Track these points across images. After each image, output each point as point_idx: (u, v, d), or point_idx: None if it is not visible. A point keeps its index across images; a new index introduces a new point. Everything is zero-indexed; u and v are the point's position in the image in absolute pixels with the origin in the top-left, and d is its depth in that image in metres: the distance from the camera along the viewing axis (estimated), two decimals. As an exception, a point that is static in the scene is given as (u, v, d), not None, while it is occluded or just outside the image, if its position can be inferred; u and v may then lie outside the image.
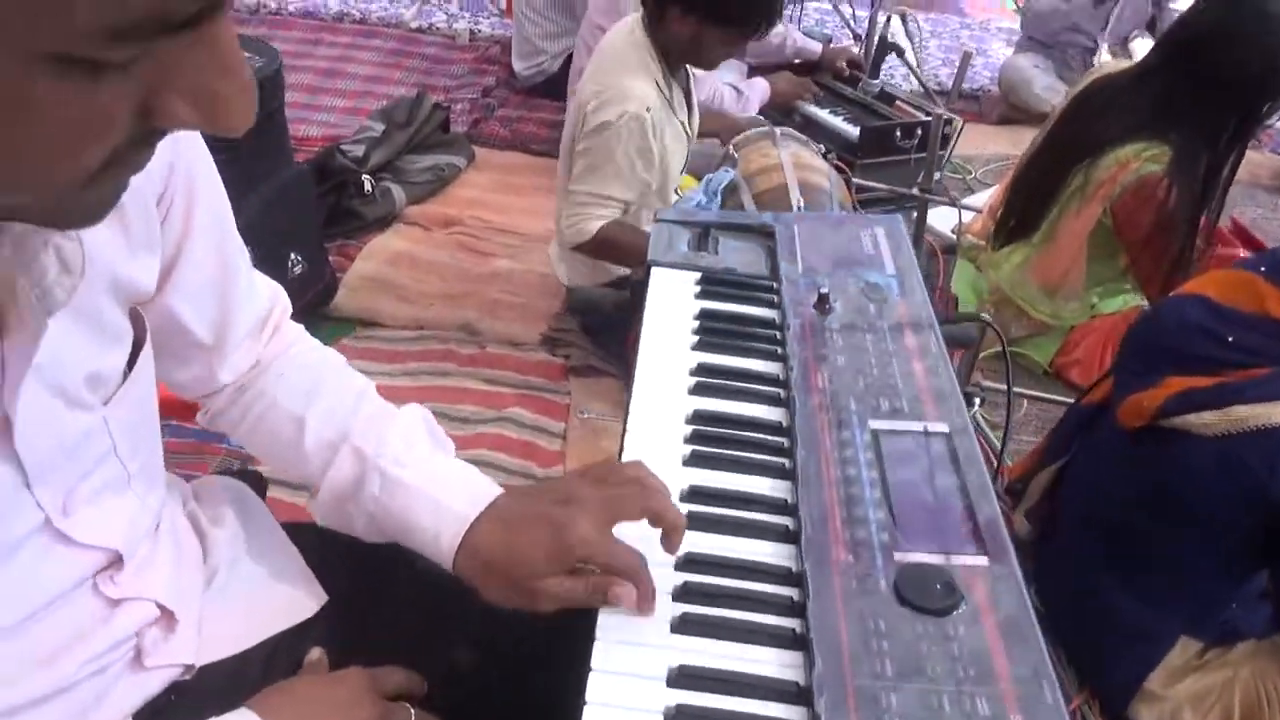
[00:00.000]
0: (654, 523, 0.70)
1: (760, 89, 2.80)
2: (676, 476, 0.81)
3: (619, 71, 1.86)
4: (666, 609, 0.71)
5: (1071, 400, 1.85)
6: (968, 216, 2.52)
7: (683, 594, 0.72)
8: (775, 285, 1.11)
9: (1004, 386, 1.34)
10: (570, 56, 3.10)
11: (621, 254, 1.95)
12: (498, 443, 1.91)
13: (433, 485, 0.74)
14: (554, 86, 3.35)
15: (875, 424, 0.88)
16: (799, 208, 1.98)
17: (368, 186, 2.55)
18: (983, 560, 0.74)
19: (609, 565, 0.68)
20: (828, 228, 1.22)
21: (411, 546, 0.74)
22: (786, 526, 0.80)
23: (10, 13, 0.33)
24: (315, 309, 2.15)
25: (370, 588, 0.83)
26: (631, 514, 0.70)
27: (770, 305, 1.09)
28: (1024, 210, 2.11)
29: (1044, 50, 3.59)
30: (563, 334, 2.19)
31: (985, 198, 2.89)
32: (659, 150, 1.89)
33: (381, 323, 2.25)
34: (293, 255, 2.03)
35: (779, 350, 1.02)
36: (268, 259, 1.96)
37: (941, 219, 2.63)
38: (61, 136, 0.38)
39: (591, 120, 1.84)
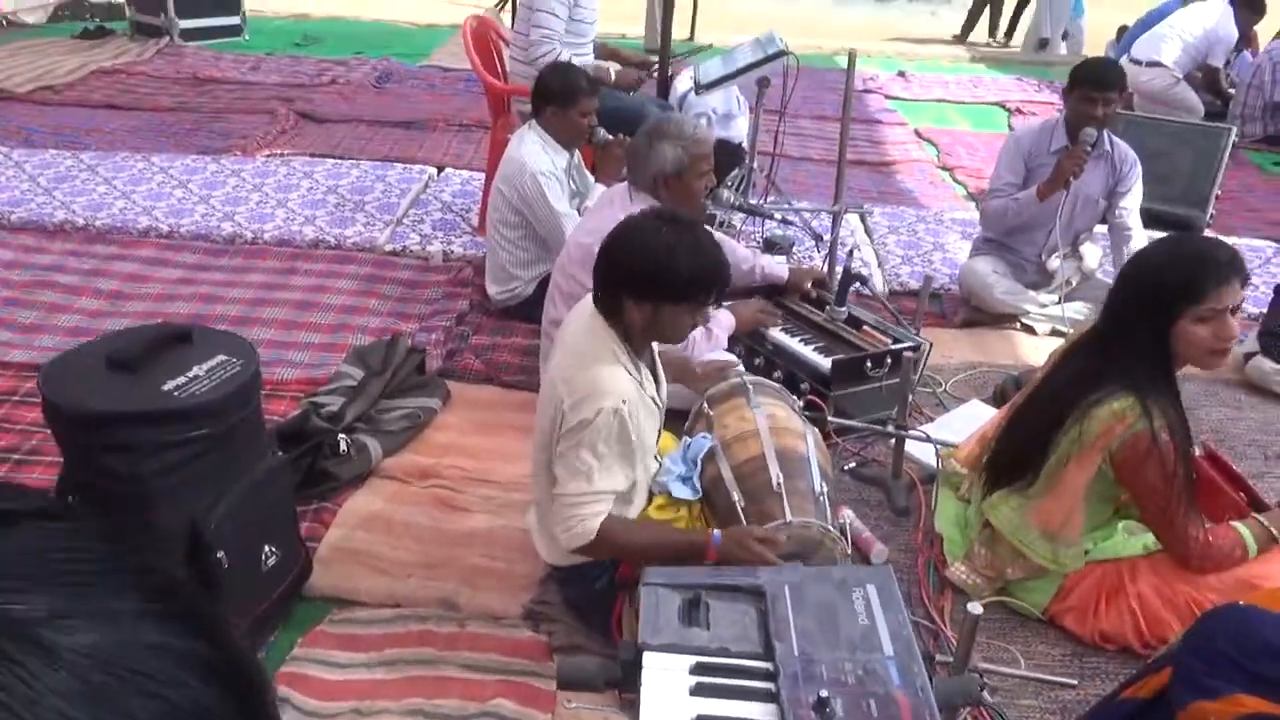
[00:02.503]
0: None
1: (726, 323, 2.85)
2: None
3: (589, 366, 1.88)
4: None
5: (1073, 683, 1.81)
6: (948, 442, 2.54)
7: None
8: (771, 670, 1.08)
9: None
10: (544, 279, 3.16)
11: (623, 551, 1.93)
12: (482, 744, 1.83)
13: None
14: (528, 309, 3.40)
15: None
16: (778, 482, 1.98)
17: (343, 446, 2.53)
18: None
19: None
20: (818, 591, 1.20)
21: None
22: None
23: None
24: (290, 595, 2.09)
25: None
26: None
27: (769, 698, 1.06)
28: (1016, 460, 2.13)
29: (998, 251, 3.72)
30: (545, 608, 2.14)
31: (958, 416, 2.94)
32: (637, 437, 1.89)
33: (358, 600, 2.19)
34: (267, 548, 1.98)
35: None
36: (241, 556, 1.92)
37: (920, 444, 2.64)
38: None
39: (570, 419, 1.85)
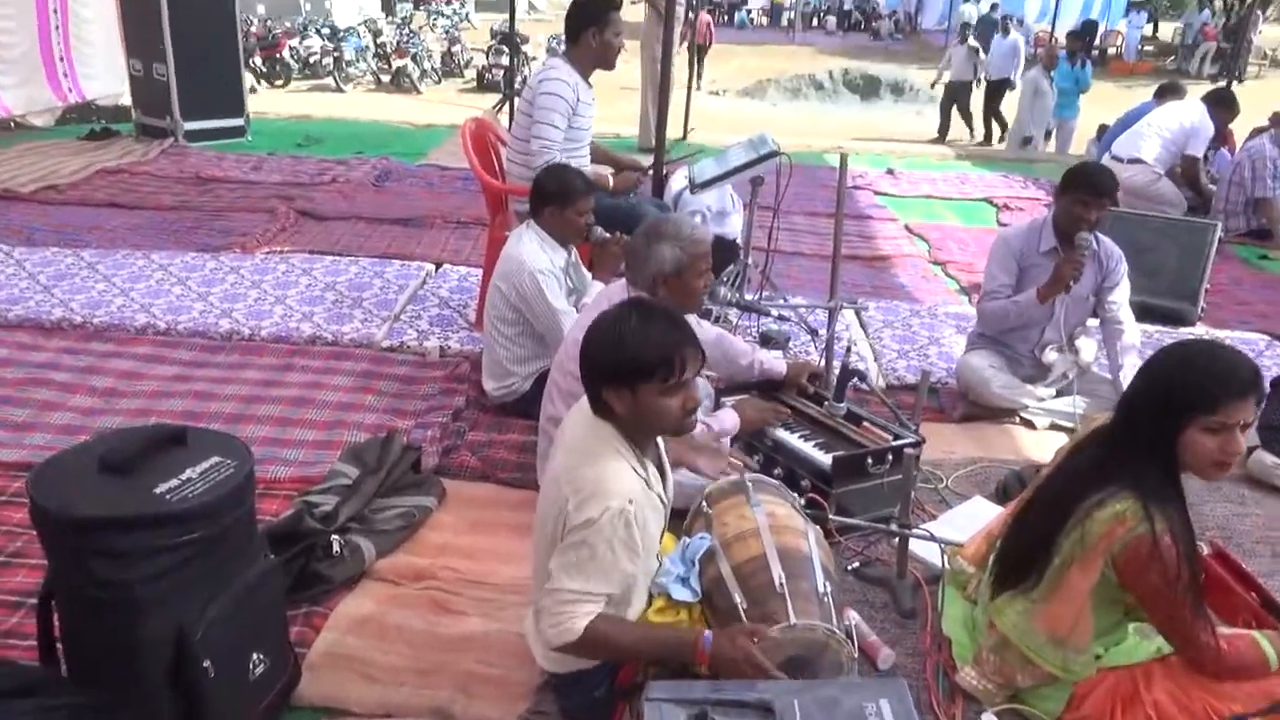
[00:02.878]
0: None
1: (730, 421, 2.83)
2: None
3: (593, 465, 1.86)
4: None
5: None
6: (953, 541, 2.49)
7: None
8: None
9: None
10: (541, 376, 3.16)
11: (611, 651, 1.88)
12: None
13: None
14: (525, 405, 3.39)
15: None
16: (780, 583, 1.93)
17: (335, 547, 2.48)
18: None
19: None
20: (829, 708, 1.16)
21: None
22: None
23: None
24: (278, 705, 2.02)
25: None
26: None
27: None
28: (1021, 561, 2.09)
29: (993, 346, 3.74)
30: (542, 718, 2.06)
31: (961, 513, 2.90)
32: (641, 538, 1.86)
33: (348, 710, 2.11)
34: (255, 655, 1.92)
35: None
36: (228, 665, 1.85)
37: (924, 542, 2.60)
38: None
39: (575, 518, 1.82)
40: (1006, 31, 12.62)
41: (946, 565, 2.38)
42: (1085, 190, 3.44)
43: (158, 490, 1.76)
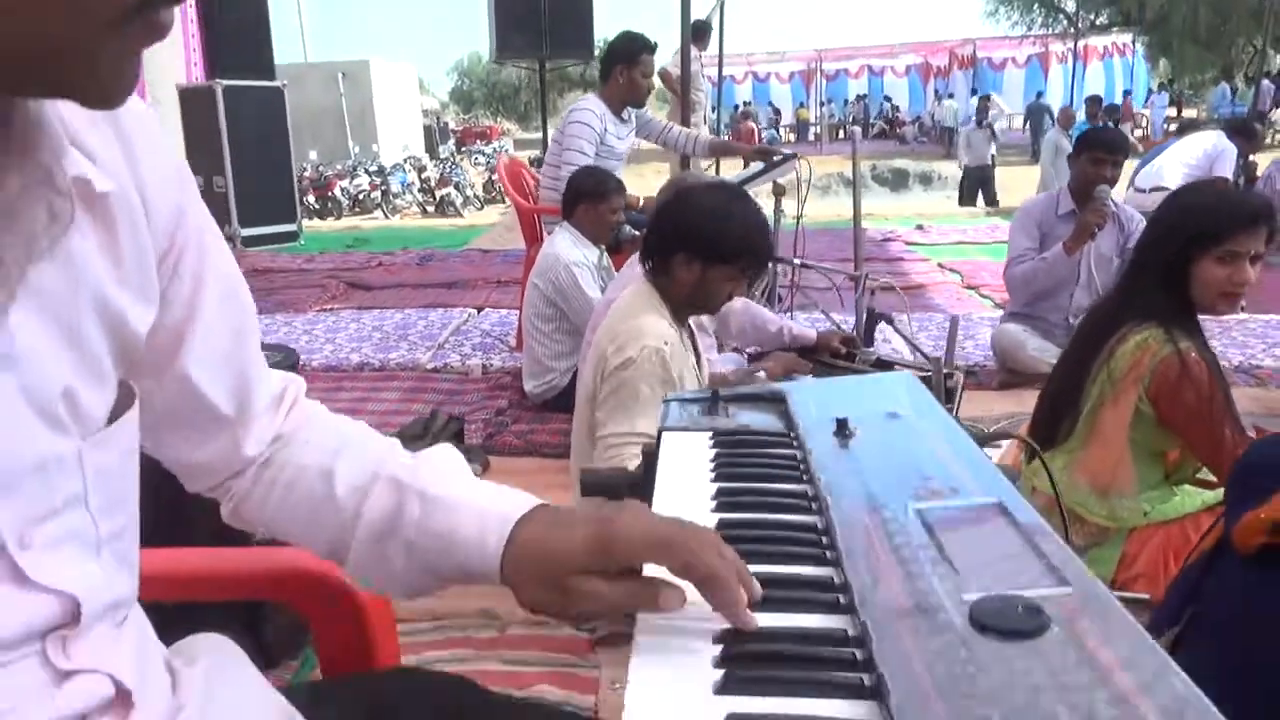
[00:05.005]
0: (703, 581, 0.64)
1: (735, 361, 2.89)
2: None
3: (633, 317, 1.94)
4: (706, 674, 0.60)
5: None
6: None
7: (724, 660, 0.62)
8: (792, 435, 1.07)
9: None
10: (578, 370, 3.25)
11: None
12: (523, 722, 1.73)
13: (477, 497, 0.72)
14: (564, 399, 3.46)
15: (917, 505, 0.80)
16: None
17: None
18: (1065, 589, 0.64)
19: (659, 558, 0.64)
20: (845, 387, 1.20)
21: (456, 569, 0.71)
22: (837, 599, 0.69)
23: None
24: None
25: None
26: (680, 556, 0.64)
27: (788, 446, 1.04)
28: (1054, 420, 2.10)
29: (1027, 321, 3.76)
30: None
31: (1001, 453, 2.88)
32: (679, 377, 1.90)
33: (398, 615, 2.13)
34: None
35: (802, 477, 0.95)
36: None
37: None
38: None
39: (613, 361, 1.88)
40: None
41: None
42: (1099, 148, 3.54)
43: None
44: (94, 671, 0.56)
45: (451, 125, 31.13)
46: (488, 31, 5.65)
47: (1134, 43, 28.13)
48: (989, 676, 0.56)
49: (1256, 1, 20.66)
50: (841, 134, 35.20)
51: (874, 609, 0.64)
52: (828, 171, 21.07)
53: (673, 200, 2.02)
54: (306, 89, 20.58)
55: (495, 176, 19.68)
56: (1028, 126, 20.94)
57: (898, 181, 20.30)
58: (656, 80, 4.56)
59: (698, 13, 7.23)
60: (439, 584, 0.74)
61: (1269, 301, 5.13)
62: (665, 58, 7.71)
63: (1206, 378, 1.87)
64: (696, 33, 7.22)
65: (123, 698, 0.58)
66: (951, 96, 24.61)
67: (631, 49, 4.17)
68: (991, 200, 12.66)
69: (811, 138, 34.23)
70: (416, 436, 2.91)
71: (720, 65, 8.99)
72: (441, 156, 25.20)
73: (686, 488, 0.94)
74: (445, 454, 0.80)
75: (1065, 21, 29.33)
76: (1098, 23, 29.98)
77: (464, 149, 29.76)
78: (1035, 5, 31.02)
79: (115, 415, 0.60)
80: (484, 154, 27.37)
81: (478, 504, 0.72)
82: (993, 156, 12.69)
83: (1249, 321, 4.70)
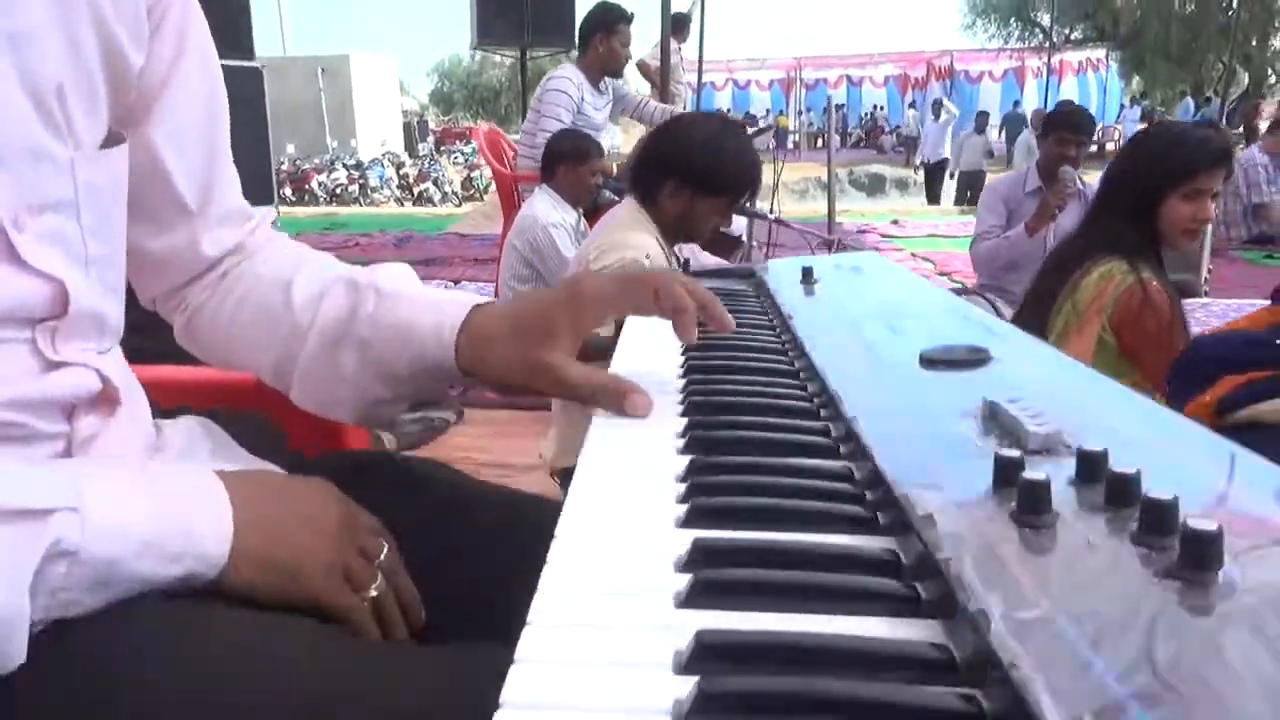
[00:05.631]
0: (672, 309, 0.66)
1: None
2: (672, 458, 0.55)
3: (619, 230, 1.96)
4: (668, 580, 0.41)
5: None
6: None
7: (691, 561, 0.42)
8: (761, 297, 1.10)
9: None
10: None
11: None
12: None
13: (434, 293, 0.72)
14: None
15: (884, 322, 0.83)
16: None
17: (358, 429, 2.55)
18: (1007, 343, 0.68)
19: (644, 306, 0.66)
20: (816, 259, 1.24)
21: (411, 362, 0.70)
22: (803, 384, 0.72)
23: None
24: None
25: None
26: (647, 296, 0.66)
27: (754, 298, 1.07)
28: None
29: (995, 293, 3.82)
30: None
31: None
32: None
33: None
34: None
35: (771, 322, 0.97)
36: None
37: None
38: None
39: (591, 268, 1.91)
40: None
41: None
42: (1066, 128, 3.62)
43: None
44: (82, 365, 0.58)
45: (431, 125, 31.07)
46: (468, 20, 5.62)
47: (1108, 58, 28.59)
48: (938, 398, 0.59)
49: (1226, 20, 21.09)
50: (819, 143, 35.52)
51: (840, 375, 0.66)
52: (805, 176, 21.32)
53: (667, 127, 2.03)
54: (285, 82, 20.41)
55: (474, 174, 19.70)
56: (1003, 134, 21.29)
57: (874, 186, 20.51)
58: (635, 69, 4.59)
59: (678, 5, 7.30)
60: (391, 393, 0.72)
61: (1231, 288, 5.25)
62: (644, 50, 7.80)
63: (1167, 306, 1.93)
64: (676, 25, 7.28)
65: (109, 393, 0.60)
66: (914, 105, 25.01)
67: (609, 18, 4.21)
68: (960, 198, 12.85)
69: (791, 145, 34.47)
70: (392, 383, 2.92)
71: (700, 71, 9.05)
72: (420, 154, 25.14)
73: (653, 352, 0.83)
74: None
75: (1041, 36, 29.79)
76: (1073, 37, 30.48)
77: (443, 149, 29.70)
78: (1012, 19, 31.49)
79: (107, 146, 0.62)
80: (463, 154, 27.31)
81: (434, 297, 0.72)
82: (986, 163, 12.95)
83: (1211, 304, 4.81)
